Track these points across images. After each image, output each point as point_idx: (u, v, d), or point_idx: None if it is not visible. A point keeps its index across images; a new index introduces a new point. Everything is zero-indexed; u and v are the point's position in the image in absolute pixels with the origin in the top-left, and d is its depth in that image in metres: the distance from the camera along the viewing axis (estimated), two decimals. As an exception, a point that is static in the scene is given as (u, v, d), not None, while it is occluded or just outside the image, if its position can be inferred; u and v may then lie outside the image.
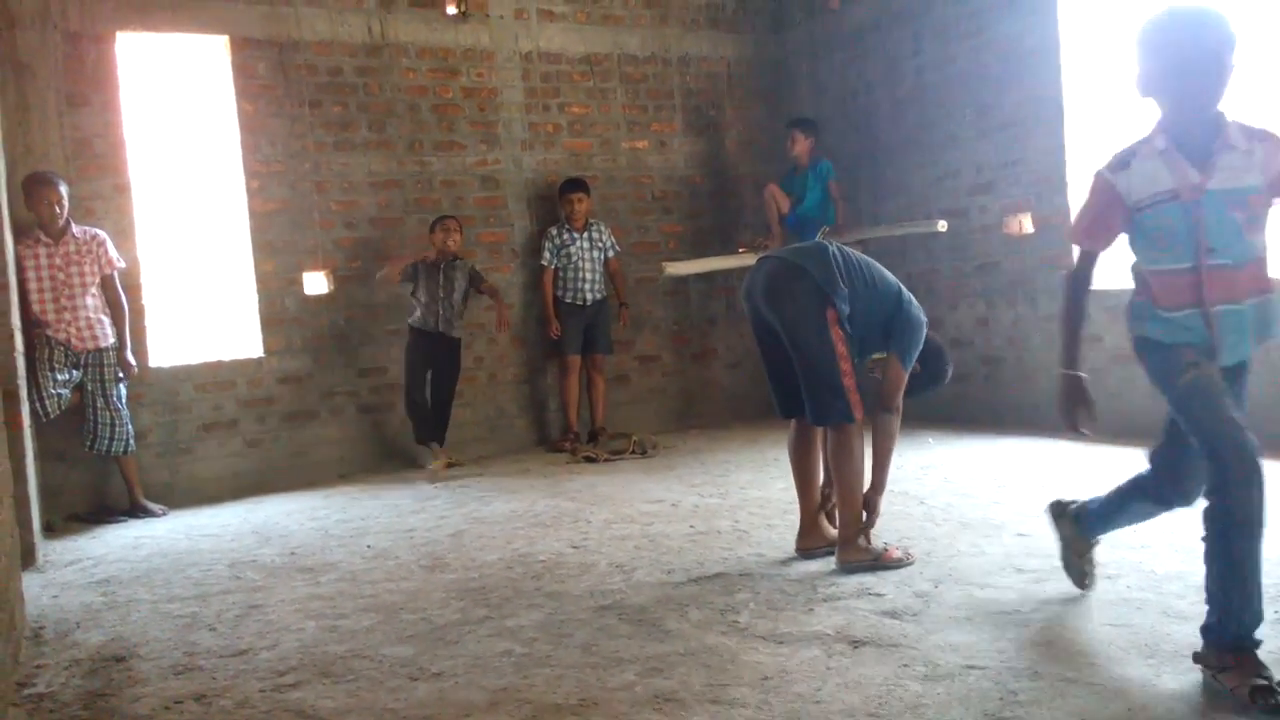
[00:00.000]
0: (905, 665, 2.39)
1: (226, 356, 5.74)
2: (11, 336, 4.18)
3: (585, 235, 6.32)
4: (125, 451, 5.11)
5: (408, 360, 5.89)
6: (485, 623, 2.96)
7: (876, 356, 3.34)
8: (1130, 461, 4.56)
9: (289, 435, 5.84)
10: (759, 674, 2.41)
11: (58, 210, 4.96)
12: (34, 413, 4.73)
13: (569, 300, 6.33)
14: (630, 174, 6.90)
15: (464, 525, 4.36)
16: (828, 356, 3.16)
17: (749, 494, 4.57)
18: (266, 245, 5.81)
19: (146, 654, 2.90)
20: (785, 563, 3.40)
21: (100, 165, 5.39)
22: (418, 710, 2.34)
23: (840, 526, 3.27)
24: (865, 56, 6.74)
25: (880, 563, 3.19)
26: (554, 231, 6.33)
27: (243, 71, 5.75)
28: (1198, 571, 2.90)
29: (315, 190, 5.94)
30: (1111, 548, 3.23)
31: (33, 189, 4.92)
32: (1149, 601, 2.72)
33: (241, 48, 5.74)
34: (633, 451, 5.92)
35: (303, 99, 5.90)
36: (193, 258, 5.90)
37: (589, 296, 6.35)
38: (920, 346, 3.32)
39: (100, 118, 5.39)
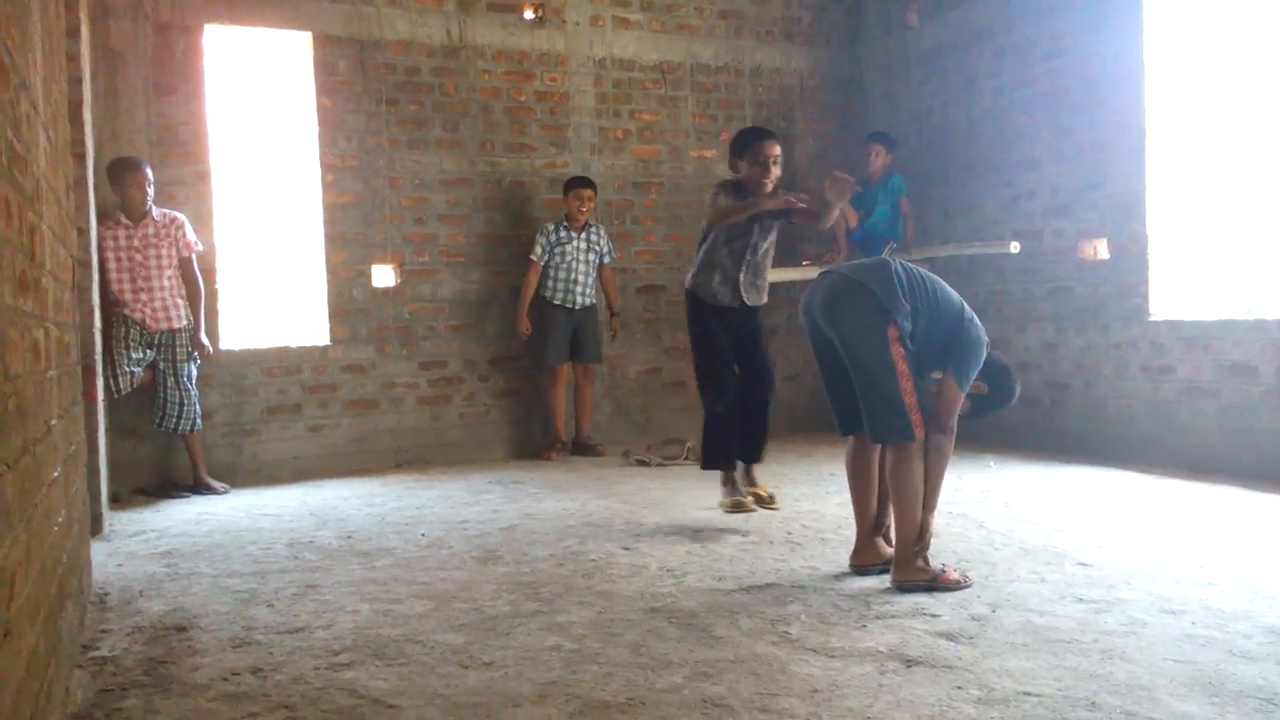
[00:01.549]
0: (959, 688, 2.35)
1: (294, 343, 5.86)
2: (91, 313, 4.33)
3: (584, 236, 6.12)
4: (192, 430, 5.24)
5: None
6: (536, 616, 2.98)
7: (936, 375, 3.29)
8: (1197, 496, 4.45)
9: (350, 422, 5.94)
10: (809, 686, 2.38)
11: (146, 193, 5.12)
12: (107, 388, 4.88)
13: (557, 302, 6.11)
14: (697, 182, 6.90)
15: (517, 520, 4.39)
16: (888, 374, 3.13)
17: (803, 507, 4.53)
18: (338, 237, 5.93)
19: (206, 625, 2.97)
20: (838, 577, 3.36)
21: (183, 152, 5.55)
22: (467, 697, 2.36)
23: (897, 545, 3.23)
24: (942, 74, 6.67)
25: (937, 584, 3.14)
26: (550, 227, 6.11)
27: (323, 68, 5.88)
28: (1267, 612, 2.83)
29: (388, 186, 6.05)
30: (1176, 583, 3.15)
31: (121, 173, 5.09)
32: (1214, 639, 2.63)
33: (324, 44, 5.87)
34: (686, 458, 5.91)
35: (380, 97, 6.02)
36: (267, 246, 6.05)
37: (579, 300, 6.14)
38: (979, 367, 3.26)
39: (185, 106, 5.55)
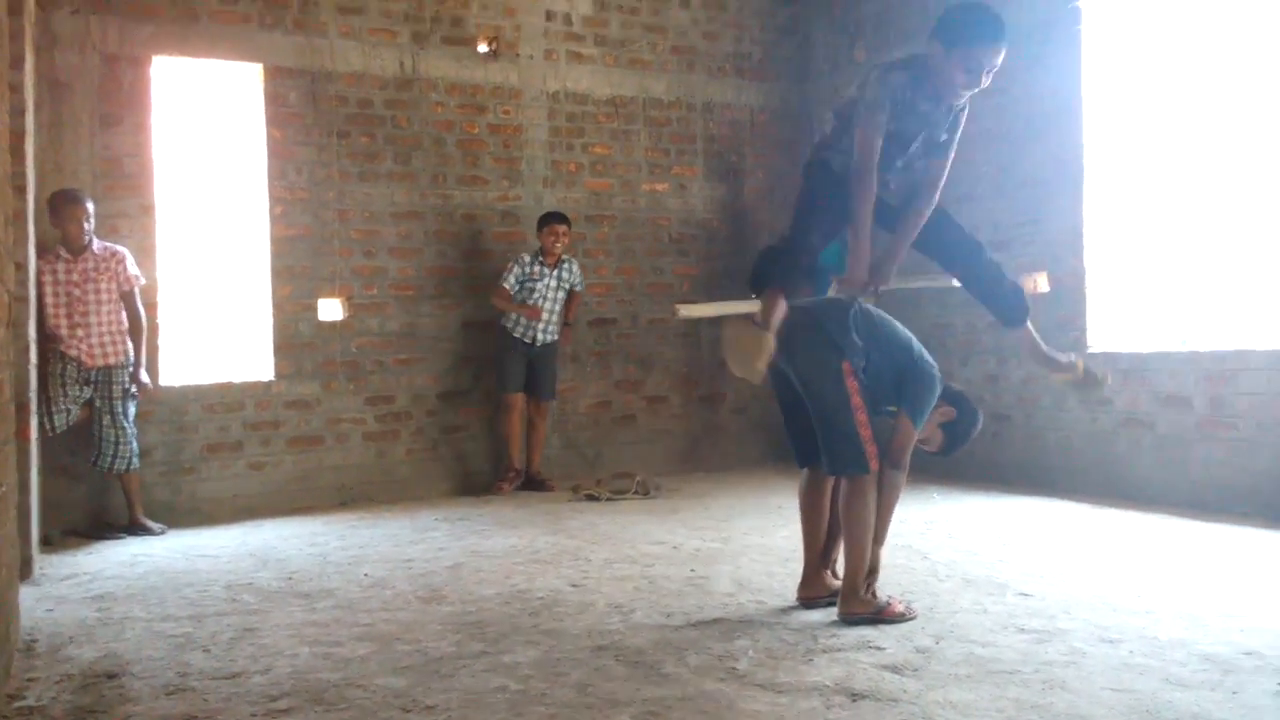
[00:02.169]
0: (903, 721, 2.36)
1: (237, 378, 5.77)
2: (27, 349, 4.22)
3: (555, 273, 6.12)
4: (128, 468, 5.12)
5: None
6: (481, 658, 2.93)
7: (892, 409, 3.32)
8: (1134, 525, 4.54)
9: (293, 460, 5.84)
10: (754, 723, 2.38)
11: (85, 227, 5.03)
12: (42, 426, 4.76)
13: (518, 335, 6.10)
14: (649, 215, 6.95)
15: (463, 558, 4.34)
16: (843, 406, 3.17)
17: (751, 540, 4.54)
18: (285, 270, 5.86)
19: (139, 672, 2.89)
20: (786, 611, 3.37)
21: (128, 185, 5.47)
22: (407, 742, 2.32)
23: (845, 577, 3.24)
24: (886, 111, 6.78)
25: (882, 616, 3.17)
26: (526, 259, 6.11)
27: (274, 99, 5.84)
28: (1201, 640, 2.88)
29: (337, 218, 6.00)
30: (1114, 612, 3.20)
31: (61, 206, 4.99)
32: (1151, 667, 2.68)
33: (275, 76, 5.84)
34: (635, 492, 5.90)
35: (331, 129, 5.99)
36: (211, 280, 5.96)
37: (541, 338, 6.14)
38: (934, 403, 3.32)
39: (131, 138, 5.47)
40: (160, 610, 3.59)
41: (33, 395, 4.33)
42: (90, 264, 5.05)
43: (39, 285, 4.91)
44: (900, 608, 3.21)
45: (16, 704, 2.63)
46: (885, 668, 2.75)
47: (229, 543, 4.87)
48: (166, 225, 5.63)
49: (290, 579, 4.03)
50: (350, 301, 6.02)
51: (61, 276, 5.01)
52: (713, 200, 7.19)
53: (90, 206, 5.06)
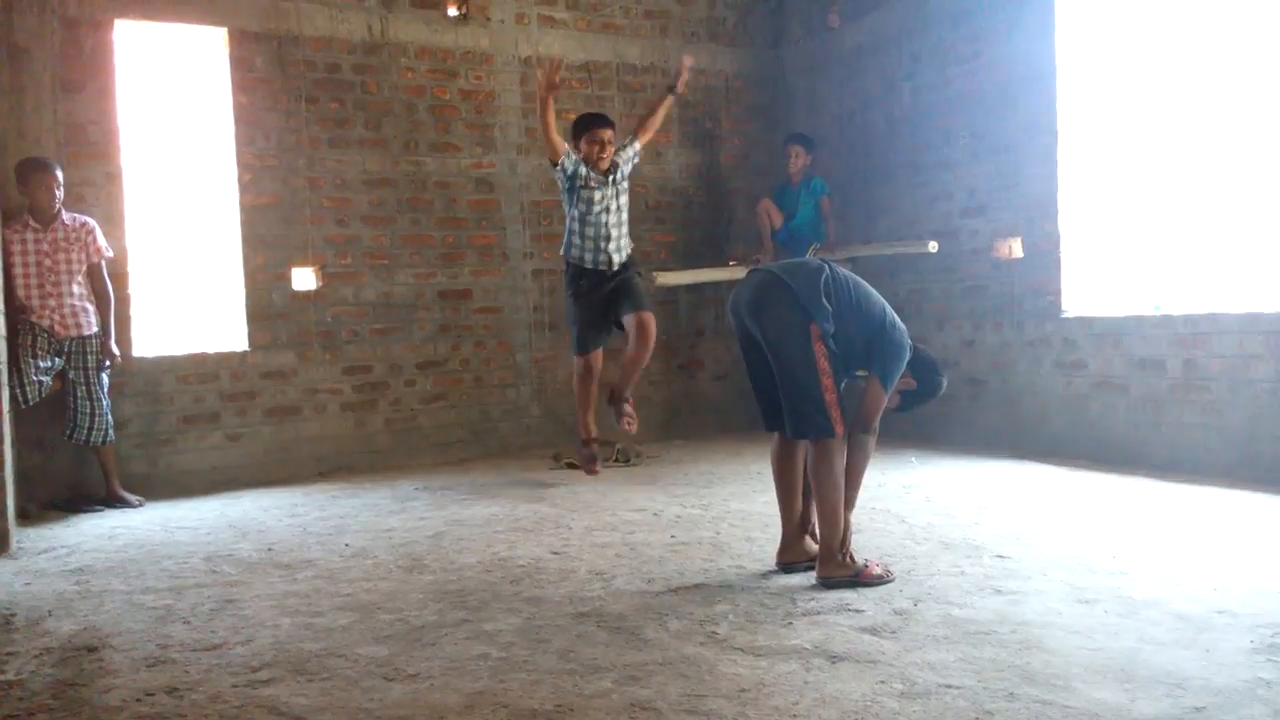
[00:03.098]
0: (883, 682, 2.39)
1: (211, 349, 5.70)
2: (-5, 320, 4.15)
3: (611, 180, 4.56)
4: (104, 441, 5.06)
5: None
6: (462, 625, 2.94)
7: (861, 374, 3.34)
8: (1109, 487, 4.60)
9: (270, 431, 5.80)
10: (736, 686, 2.40)
11: (55, 194, 4.93)
12: (14, 399, 4.69)
13: (588, 265, 4.57)
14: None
15: (444, 527, 4.34)
16: (809, 370, 3.17)
17: (731, 506, 4.57)
18: (256, 239, 5.78)
19: (119, 645, 2.87)
20: (765, 576, 3.39)
21: (93, 152, 5.36)
22: (392, 711, 2.32)
23: (821, 542, 3.27)
24: (862, 76, 6.78)
25: (861, 579, 3.20)
26: (574, 159, 4.49)
27: (240, 64, 5.73)
28: (1176, 599, 2.94)
29: (308, 186, 5.92)
30: (1090, 573, 3.25)
31: (30, 174, 4.89)
32: (1126, 627, 2.72)
33: (240, 40, 5.72)
34: (616, 460, 5.91)
35: (299, 94, 5.89)
36: (181, 249, 5.87)
37: (616, 258, 4.59)
38: (902, 368, 3.32)
39: (95, 104, 5.35)
40: (140, 583, 3.57)
41: (2, 367, 4.27)
42: (60, 234, 4.96)
43: (7, 254, 4.82)
44: (879, 570, 3.24)
45: (-5, 679, 2.61)
46: (863, 630, 2.78)
47: (208, 514, 4.84)
48: (134, 193, 5.52)
49: (270, 550, 4.02)
50: (324, 271, 5.96)
51: (31, 246, 4.92)
52: (689, 167, 7.15)
53: (60, 175, 4.96)
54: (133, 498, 5.14)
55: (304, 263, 5.89)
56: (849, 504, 3.32)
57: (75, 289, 5.00)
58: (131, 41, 5.55)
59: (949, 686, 2.35)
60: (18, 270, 4.89)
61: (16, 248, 4.89)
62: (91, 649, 2.84)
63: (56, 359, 4.98)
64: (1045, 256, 5.57)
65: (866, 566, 3.24)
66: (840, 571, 3.21)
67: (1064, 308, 5.50)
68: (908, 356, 3.32)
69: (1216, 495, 4.33)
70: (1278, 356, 4.51)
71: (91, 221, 5.08)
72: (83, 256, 5.01)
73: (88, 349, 5.03)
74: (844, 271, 3.38)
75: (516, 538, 4.09)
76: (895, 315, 3.36)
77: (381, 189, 6.14)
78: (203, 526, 4.55)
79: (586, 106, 6.75)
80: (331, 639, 2.86)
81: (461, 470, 5.90)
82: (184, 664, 2.69)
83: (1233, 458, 4.66)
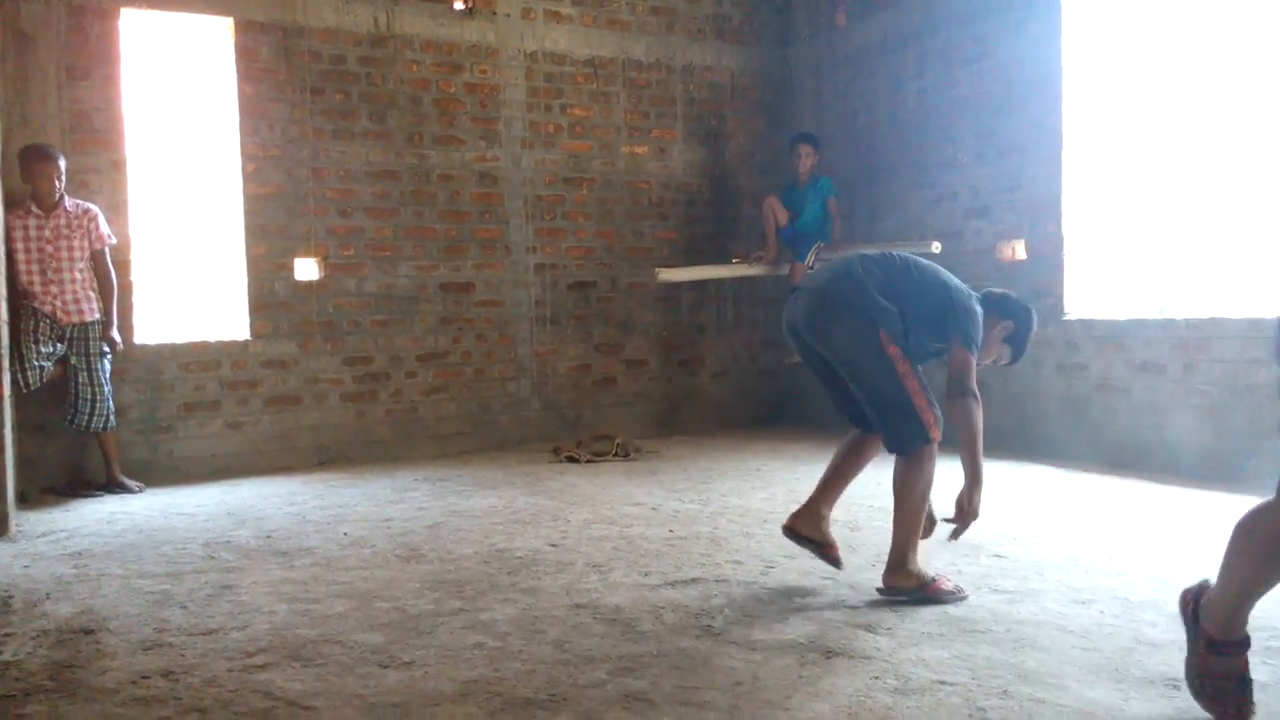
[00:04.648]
0: (876, 678, 2.40)
1: (212, 338, 5.70)
2: (-3, 304, 4.16)
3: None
4: (105, 427, 5.07)
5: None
6: (459, 615, 2.95)
7: (940, 347, 3.11)
8: (1108, 490, 4.60)
9: (270, 419, 5.81)
10: (730, 679, 2.40)
11: (56, 184, 4.94)
12: (15, 384, 4.70)
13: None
14: (628, 179, 6.91)
15: (442, 518, 4.34)
16: (890, 379, 2.95)
17: (729, 502, 4.57)
18: (259, 229, 5.78)
19: (116, 628, 2.88)
20: (763, 571, 3.39)
21: (97, 140, 5.36)
22: (386, 698, 2.33)
23: (894, 548, 3.02)
24: (869, 76, 6.78)
25: (928, 592, 2.96)
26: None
27: (245, 54, 5.73)
28: (1172, 601, 2.92)
29: (311, 177, 5.92)
30: (1087, 574, 3.25)
31: (32, 162, 4.89)
32: (1122, 628, 2.73)
33: (246, 30, 5.72)
34: (615, 454, 5.92)
35: (304, 85, 5.89)
36: (185, 237, 5.87)
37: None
38: (980, 328, 3.05)
39: (100, 92, 5.36)
40: (138, 567, 3.58)
41: (4, 352, 4.28)
42: (62, 221, 4.97)
43: (10, 240, 4.83)
44: (949, 585, 3.01)
45: (-9, 660, 2.62)
46: (859, 626, 2.78)
47: (207, 501, 4.85)
48: (138, 181, 5.53)
49: (269, 537, 4.02)
50: (326, 261, 5.96)
51: (33, 233, 4.93)
52: (693, 164, 7.15)
53: (62, 163, 4.97)
54: (132, 483, 5.15)
55: (307, 253, 5.90)
56: (974, 480, 3.01)
57: (78, 275, 5.01)
58: (137, 30, 5.55)
59: (943, 683, 2.35)
60: (20, 256, 4.89)
61: (19, 234, 4.89)
62: (88, 631, 2.85)
63: (58, 345, 4.99)
64: (1048, 259, 5.57)
65: (936, 579, 3.01)
66: (908, 582, 2.98)
67: (1066, 310, 5.50)
68: (980, 313, 3.07)
69: (1216, 499, 4.32)
70: None
71: (95, 208, 5.09)
72: (85, 243, 5.02)
73: (90, 335, 5.04)
74: (883, 254, 3.16)
75: (514, 529, 4.09)
76: (951, 276, 3.12)
77: (385, 181, 6.15)
78: (202, 513, 4.56)
79: (591, 102, 6.77)
80: (328, 626, 2.86)
81: (461, 462, 5.91)
82: (180, 648, 2.70)
83: (1233, 462, 4.65)
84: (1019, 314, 3.20)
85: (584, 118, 6.76)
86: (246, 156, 5.74)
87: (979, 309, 3.08)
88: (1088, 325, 5.39)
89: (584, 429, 6.59)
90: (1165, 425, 4.98)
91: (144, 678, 2.48)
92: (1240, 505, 4.12)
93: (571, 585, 3.25)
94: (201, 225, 5.88)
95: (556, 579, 3.33)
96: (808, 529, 3.22)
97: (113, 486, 5.10)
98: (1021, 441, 5.66)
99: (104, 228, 5.09)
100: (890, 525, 3.09)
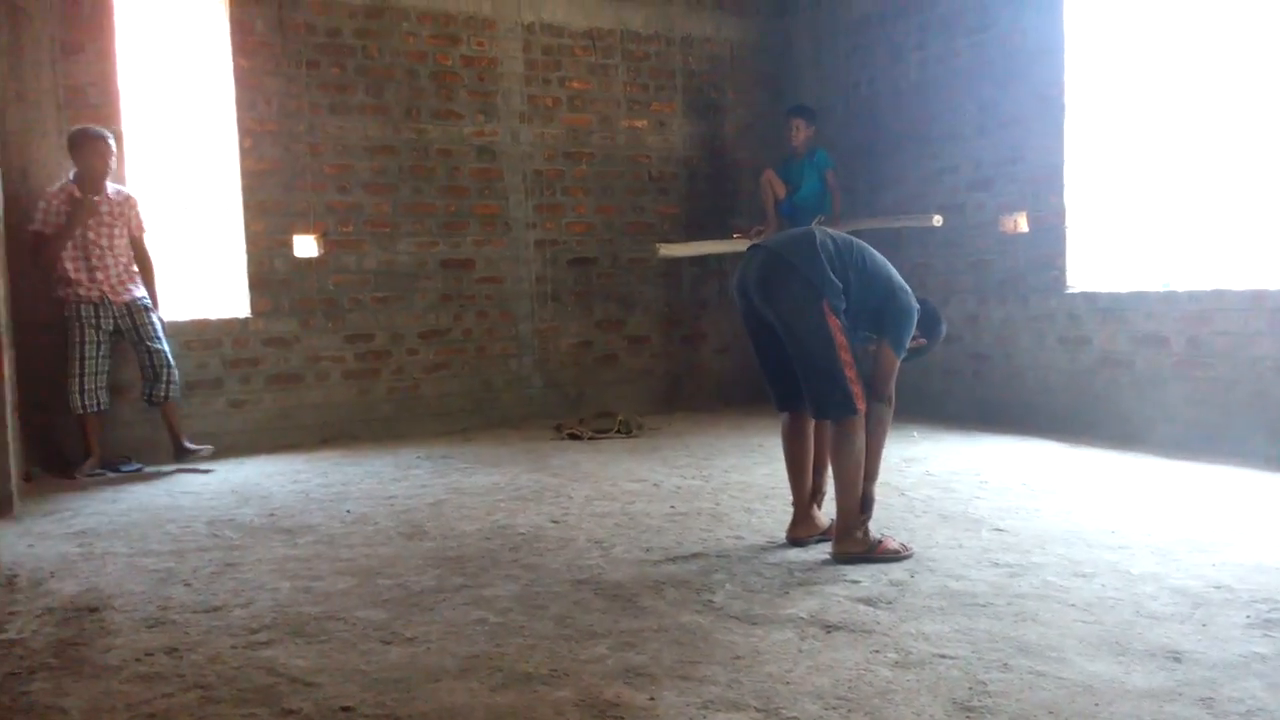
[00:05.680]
0: (877, 651, 2.40)
1: (213, 315, 5.70)
2: (-4, 284, 4.14)
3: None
4: (178, 395, 5.17)
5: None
6: (461, 591, 2.96)
7: (872, 337, 3.30)
8: (1111, 463, 4.60)
9: (273, 397, 5.81)
10: (731, 653, 2.41)
11: (110, 165, 4.99)
12: (76, 405, 4.88)
13: None
14: (628, 153, 6.87)
15: (445, 495, 4.35)
16: (827, 349, 3.10)
17: (731, 478, 4.57)
18: (257, 205, 5.76)
19: (120, 606, 2.89)
20: (763, 547, 3.40)
21: (93, 115, 5.31)
22: (388, 673, 2.34)
23: (838, 518, 3.20)
24: (870, 46, 6.71)
25: (876, 554, 3.15)
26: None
27: (240, 27, 5.68)
28: (1173, 574, 2.94)
29: (309, 152, 5.89)
30: (1088, 547, 3.25)
31: (88, 142, 4.91)
32: (1123, 601, 2.73)
33: (240, 2, 5.67)
34: (617, 431, 5.92)
35: (300, 58, 5.84)
36: (183, 214, 5.85)
37: None
38: (912, 332, 3.29)
39: (95, 66, 5.31)
40: (142, 546, 3.59)
41: (5, 328, 4.26)
42: (104, 205, 4.99)
43: (46, 224, 4.87)
44: (895, 545, 3.20)
45: (-4, 638, 2.63)
46: (859, 600, 2.79)
47: (210, 480, 4.86)
48: (135, 157, 5.50)
49: (272, 515, 4.03)
50: (325, 238, 5.94)
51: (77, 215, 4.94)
52: (693, 137, 7.10)
53: (113, 144, 5.02)
54: (202, 448, 5.22)
55: (305, 230, 5.88)
56: (870, 477, 3.27)
57: (121, 259, 5.07)
58: (131, 3, 5.50)
59: (943, 656, 2.36)
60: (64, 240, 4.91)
61: (61, 216, 4.90)
62: (93, 609, 2.86)
63: (113, 339, 5.05)
64: (1051, 231, 5.54)
65: (882, 541, 3.20)
66: (856, 547, 3.16)
67: (1069, 283, 5.48)
68: (915, 320, 3.28)
69: (1218, 472, 4.32)
70: (1282, 334, 4.49)
71: (134, 195, 5.14)
72: (124, 230, 5.07)
73: (144, 308, 5.10)
74: (843, 236, 3.33)
75: (516, 506, 4.10)
76: (898, 275, 3.33)
77: (383, 156, 6.11)
78: (205, 492, 4.57)
79: (590, 75, 6.72)
80: (331, 603, 2.87)
81: (463, 439, 5.91)
82: (184, 625, 2.71)
83: (1236, 435, 4.65)
84: (933, 333, 3.43)
85: (583, 91, 6.71)
86: (243, 131, 5.71)
87: (915, 310, 3.29)
88: (1090, 298, 5.37)
89: (586, 406, 6.59)
90: (1168, 398, 4.98)
91: (148, 655, 2.49)
92: (1243, 478, 4.14)
93: (573, 561, 3.26)
94: (200, 201, 5.85)
95: (558, 555, 3.34)
96: (806, 531, 3.41)
97: (182, 455, 5.16)
98: (1023, 416, 5.65)
99: (143, 215, 5.16)
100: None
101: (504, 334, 6.49)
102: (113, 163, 5.01)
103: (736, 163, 7.22)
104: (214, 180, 5.81)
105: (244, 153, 5.71)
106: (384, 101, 6.09)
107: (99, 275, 4.99)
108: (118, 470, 5.09)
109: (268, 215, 5.78)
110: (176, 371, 5.17)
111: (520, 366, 6.55)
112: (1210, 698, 2.10)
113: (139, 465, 5.18)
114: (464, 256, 6.33)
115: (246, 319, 5.75)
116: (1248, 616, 2.58)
